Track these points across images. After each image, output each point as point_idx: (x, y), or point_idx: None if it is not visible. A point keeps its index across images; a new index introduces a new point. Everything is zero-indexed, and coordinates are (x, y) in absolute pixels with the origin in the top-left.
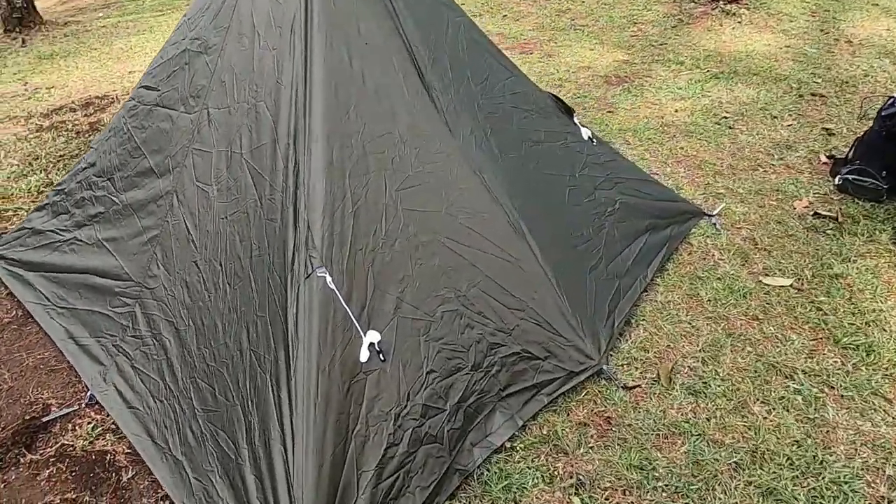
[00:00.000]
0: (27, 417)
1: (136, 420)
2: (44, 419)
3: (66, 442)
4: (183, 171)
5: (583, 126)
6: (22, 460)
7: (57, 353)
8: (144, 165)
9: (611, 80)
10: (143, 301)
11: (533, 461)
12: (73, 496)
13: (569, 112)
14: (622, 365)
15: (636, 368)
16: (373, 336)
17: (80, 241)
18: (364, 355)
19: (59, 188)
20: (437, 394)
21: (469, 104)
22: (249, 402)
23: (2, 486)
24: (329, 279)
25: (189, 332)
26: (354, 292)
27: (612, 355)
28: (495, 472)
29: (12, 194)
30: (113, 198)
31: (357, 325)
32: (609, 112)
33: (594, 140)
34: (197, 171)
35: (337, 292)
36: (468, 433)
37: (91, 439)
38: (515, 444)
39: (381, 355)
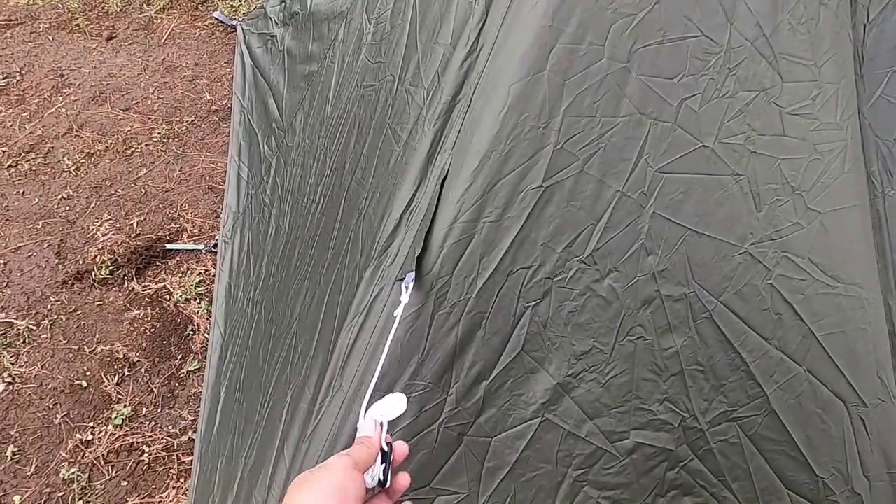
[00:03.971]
0: (158, 235)
1: (225, 303)
2: (167, 246)
3: (169, 286)
4: None
5: None
6: (126, 284)
7: (226, 167)
8: None
9: None
10: (280, 156)
11: None
12: (136, 358)
13: None
14: None
15: None
16: (391, 407)
17: (277, 42)
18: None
19: None
20: None
21: None
22: (267, 403)
23: (97, 305)
24: (405, 301)
25: (280, 234)
26: (478, 343)
27: None
28: None
29: None
30: None
31: (374, 382)
32: None
33: None
34: None
35: (392, 332)
36: None
37: (189, 297)
38: None
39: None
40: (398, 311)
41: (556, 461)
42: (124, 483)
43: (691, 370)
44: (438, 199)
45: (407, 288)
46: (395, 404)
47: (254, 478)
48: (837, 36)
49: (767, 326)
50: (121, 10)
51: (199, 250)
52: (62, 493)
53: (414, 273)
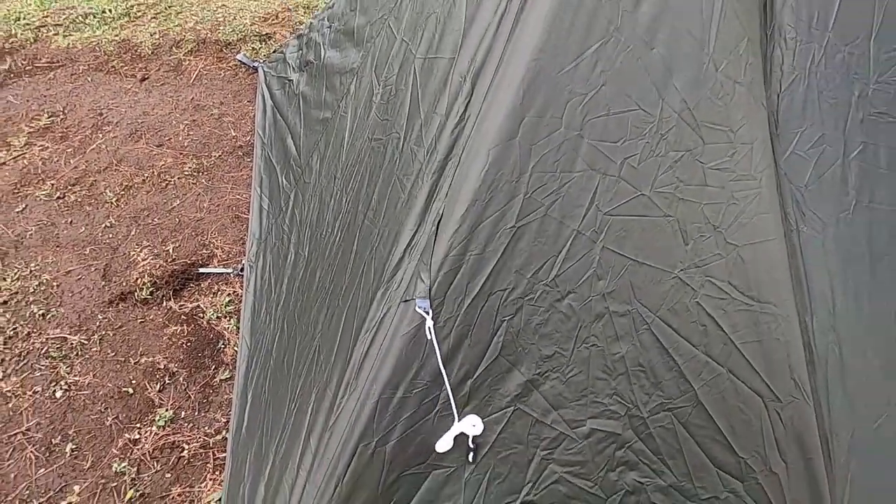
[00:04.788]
0: (191, 260)
1: (251, 320)
2: (200, 270)
3: (202, 305)
4: (370, 49)
5: None
6: (165, 304)
7: (250, 198)
8: (350, 24)
9: None
10: (298, 190)
11: None
12: (175, 368)
13: None
14: None
15: None
16: (470, 424)
17: (293, 86)
18: (445, 445)
19: (312, 19)
20: None
21: (843, 85)
22: (293, 402)
23: (140, 322)
24: (430, 325)
25: (300, 260)
26: (465, 349)
27: None
28: None
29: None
30: (322, 50)
31: (453, 400)
32: None
33: None
34: (378, 57)
35: (436, 345)
36: None
37: (220, 315)
38: None
39: (472, 455)
40: (430, 332)
41: (527, 443)
42: (168, 475)
43: (634, 370)
44: (435, 238)
45: (428, 312)
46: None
47: (284, 464)
48: (751, 106)
49: (695, 336)
50: (152, 53)
51: (228, 273)
52: (115, 484)
53: (429, 301)
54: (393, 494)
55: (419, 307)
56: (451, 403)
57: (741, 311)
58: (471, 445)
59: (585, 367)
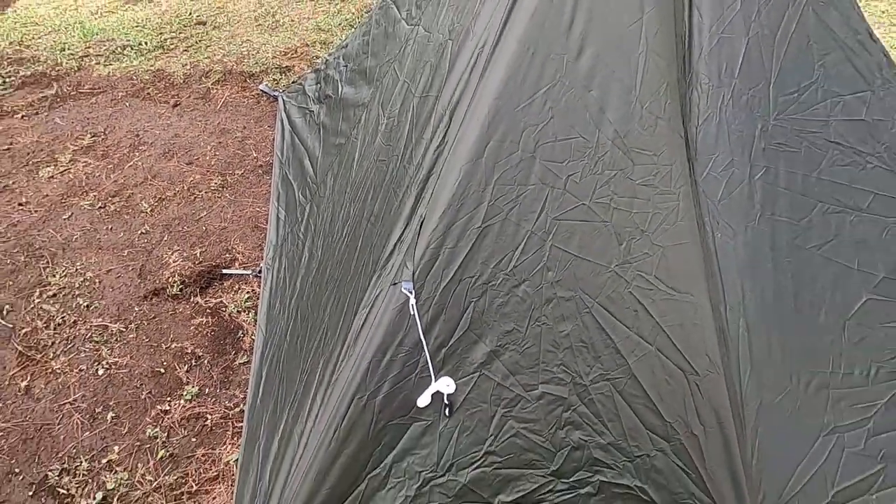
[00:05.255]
0: (216, 263)
1: (266, 313)
2: (223, 271)
3: (224, 301)
4: (379, 87)
5: None
6: (193, 299)
7: (268, 210)
8: (363, 65)
9: None
10: (313, 203)
11: None
12: (201, 353)
13: None
14: None
15: None
16: (444, 384)
17: (313, 116)
18: (424, 400)
19: (328, 56)
20: (487, 482)
21: (748, 121)
22: (305, 372)
23: (170, 314)
24: (413, 302)
25: (314, 261)
26: (441, 323)
27: None
28: None
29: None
30: (339, 85)
31: (430, 364)
32: None
33: None
34: (384, 94)
35: (418, 319)
36: None
37: (240, 309)
38: None
39: (447, 409)
40: (412, 308)
41: (489, 402)
42: (194, 439)
43: (578, 346)
44: (419, 234)
45: (411, 293)
46: (448, 384)
47: (295, 420)
48: (670, 137)
49: (628, 319)
50: (183, 82)
51: (248, 274)
52: (149, 446)
53: (412, 284)
54: (381, 440)
55: (405, 289)
56: (429, 366)
57: (666, 299)
58: (445, 402)
59: (537, 341)
